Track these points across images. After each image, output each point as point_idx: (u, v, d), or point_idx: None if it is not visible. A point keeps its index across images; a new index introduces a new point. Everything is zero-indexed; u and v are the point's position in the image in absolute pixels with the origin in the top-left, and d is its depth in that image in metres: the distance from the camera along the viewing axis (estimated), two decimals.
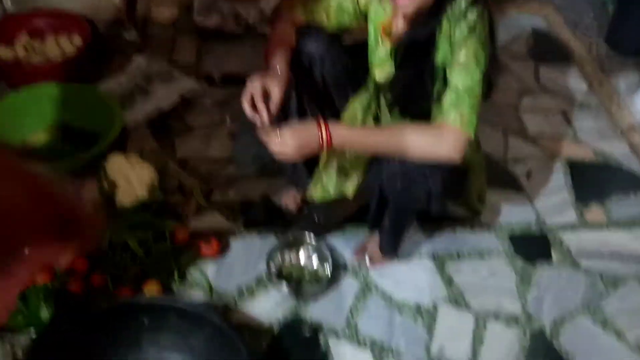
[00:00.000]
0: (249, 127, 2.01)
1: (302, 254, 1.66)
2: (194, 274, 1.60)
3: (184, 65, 2.31)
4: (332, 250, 1.67)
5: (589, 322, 1.58)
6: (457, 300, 1.60)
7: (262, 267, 1.63)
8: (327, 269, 1.60)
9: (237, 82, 2.20)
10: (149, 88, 2.19)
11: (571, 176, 2.00)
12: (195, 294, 1.55)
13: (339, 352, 1.47)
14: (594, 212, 1.88)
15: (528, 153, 2.08)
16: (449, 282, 1.65)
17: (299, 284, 1.60)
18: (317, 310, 1.55)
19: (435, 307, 1.58)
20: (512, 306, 1.60)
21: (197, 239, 1.65)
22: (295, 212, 1.77)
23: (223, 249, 1.66)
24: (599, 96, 2.34)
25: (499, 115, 2.22)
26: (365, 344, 1.49)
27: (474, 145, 1.50)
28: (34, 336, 1.39)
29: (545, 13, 2.79)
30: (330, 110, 1.55)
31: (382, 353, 1.47)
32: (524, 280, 1.67)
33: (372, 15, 1.44)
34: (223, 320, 1.33)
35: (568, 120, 2.23)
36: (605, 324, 1.58)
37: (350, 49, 1.52)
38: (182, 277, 1.58)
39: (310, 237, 1.65)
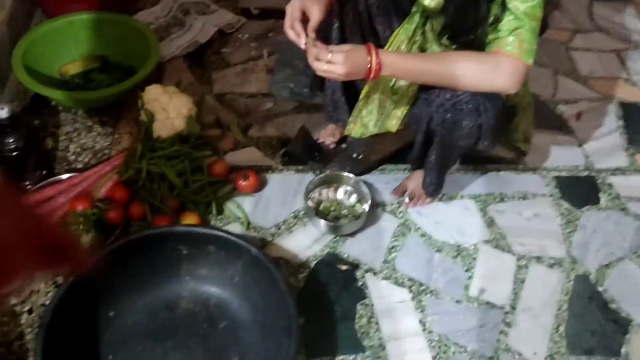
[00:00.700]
0: (287, 61, 1.97)
1: (340, 191, 1.63)
2: (231, 208, 1.59)
3: None
4: (371, 188, 1.63)
5: (635, 267, 1.53)
6: (499, 241, 1.56)
7: (300, 203, 1.61)
8: (365, 207, 1.57)
9: (275, 15, 2.16)
10: (186, 20, 2.14)
11: (623, 119, 1.91)
12: (232, 228, 1.54)
13: (376, 289, 1.45)
14: None
15: (578, 94, 1.99)
16: (490, 223, 1.60)
17: (337, 220, 1.57)
18: (355, 248, 1.53)
19: (475, 248, 1.54)
20: (556, 249, 1.55)
21: (234, 173, 1.64)
22: (333, 148, 1.73)
23: (260, 184, 1.64)
24: None
25: (549, 54, 2.11)
26: (402, 283, 1.46)
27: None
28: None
29: None
30: (374, 43, 1.48)
31: (420, 292, 1.45)
32: (570, 224, 1.61)
33: None
34: (261, 250, 1.32)
35: (622, 61, 2.12)
36: None
37: None
38: (220, 210, 1.57)
39: (348, 175, 1.62)
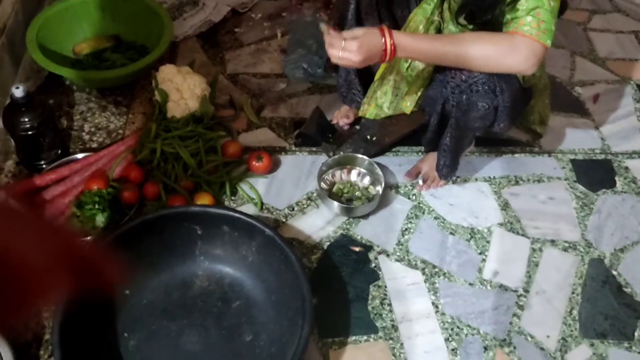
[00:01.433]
0: (301, 42, 1.95)
1: (353, 173, 1.63)
2: (244, 188, 1.59)
3: None
4: (384, 170, 1.63)
5: None
6: (513, 224, 1.55)
7: (313, 184, 1.61)
8: (379, 189, 1.57)
9: None
10: None
11: None
12: (246, 209, 1.54)
13: (389, 271, 1.45)
14: None
15: (596, 76, 1.96)
16: (505, 206, 1.59)
17: (350, 202, 1.57)
18: (368, 229, 1.53)
19: (489, 231, 1.54)
20: (571, 233, 1.54)
21: (247, 154, 1.63)
22: (347, 130, 1.73)
23: (274, 165, 1.64)
24: None
25: (567, 35, 2.08)
26: (415, 265, 1.46)
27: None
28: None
29: None
30: (390, 24, 1.47)
31: (433, 274, 1.45)
32: (585, 207, 1.60)
33: None
34: (275, 231, 1.32)
35: None
36: None
37: None
38: (233, 191, 1.57)
39: (362, 156, 1.61)
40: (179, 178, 1.53)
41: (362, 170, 1.63)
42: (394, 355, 1.30)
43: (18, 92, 1.43)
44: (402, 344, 1.32)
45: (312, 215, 1.56)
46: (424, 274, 1.45)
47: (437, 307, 1.39)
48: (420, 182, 1.62)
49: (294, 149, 1.71)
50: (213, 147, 1.62)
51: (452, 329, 1.35)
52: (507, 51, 1.18)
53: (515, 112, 1.36)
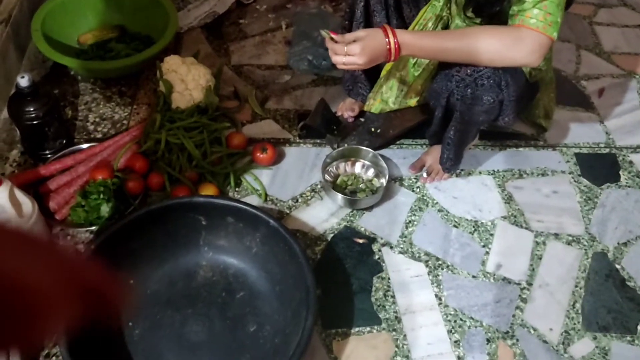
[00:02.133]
0: (306, 33, 1.95)
1: (357, 165, 1.63)
2: (249, 180, 1.59)
3: None
4: (389, 163, 1.63)
5: None
6: (517, 218, 1.55)
7: (317, 176, 1.61)
8: (383, 181, 1.57)
9: None
10: None
11: None
12: (250, 200, 1.54)
13: (392, 263, 1.45)
14: None
15: (601, 70, 1.96)
16: (508, 199, 1.59)
17: (354, 194, 1.57)
18: (371, 222, 1.53)
19: (493, 224, 1.54)
20: (575, 227, 1.54)
21: (252, 146, 1.64)
22: (351, 122, 1.73)
23: (278, 157, 1.64)
24: None
25: (572, 28, 2.08)
26: (419, 257, 1.47)
27: (546, 56, 1.40)
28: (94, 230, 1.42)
29: None
30: (398, 22, 1.47)
31: (436, 266, 1.45)
32: (589, 201, 1.60)
33: None
34: (279, 222, 1.32)
35: None
36: None
37: None
38: (237, 182, 1.58)
39: (366, 149, 1.61)
40: (184, 169, 1.53)
41: (367, 162, 1.63)
42: (397, 346, 1.31)
43: (23, 81, 1.43)
44: (405, 335, 1.33)
45: (316, 207, 1.56)
46: (427, 266, 1.45)
47: (440, 299, 1.39)
48: (424, 174, 1.62)
49: (298, 140, 1.71)
50: (217, 138, 1.63)
51: (455, 321, 1.36)
52: (513, 44, 1.18)
53: (520, 106, 1.36)
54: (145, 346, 1.26)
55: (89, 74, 1.81)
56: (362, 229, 1.52)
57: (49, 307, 0.43)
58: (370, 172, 1.62)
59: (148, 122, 1.62)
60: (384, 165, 1.58)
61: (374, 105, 1.57)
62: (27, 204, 1.33)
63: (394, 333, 1.33)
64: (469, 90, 1.29)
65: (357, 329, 1.33)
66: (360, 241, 1.49)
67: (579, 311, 1.38)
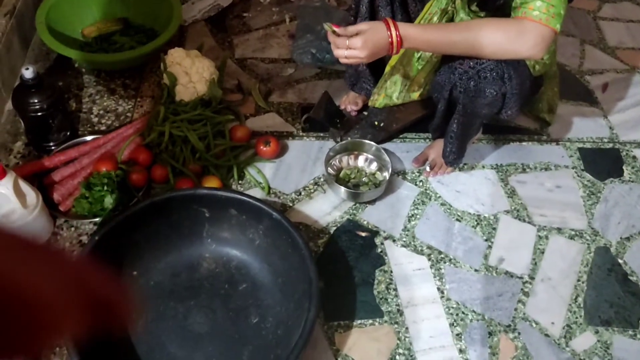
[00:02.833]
0: (309, 27, 1.95)
1: (360, 159, 1.63)
2: (252, 173, 1.59)
3: None
4: (392, 156, 1.63)
5: None
6: (519, 212, 1.56)
7: (320, 169, 1.61)
8: (386, 174, 1.57)
9: None
10: None
11: None
12: (253, 193, 1.55)
13: (395, 256, 1.46)
14: None
15: (605, 65, 1.95)
16: (511, 193, 1.60)
17: (357, 187, 1.57)
18: (374, 215, 1.54)
19: (496, 218, 1.54)
20: (577, 221, 1.54)
21: (255, 139, 1.64)
22: (355, 116, 1.73)
23: (281, 150, 1.65)
24: None
25: (577, 23, 2.07)
26: (421, 250, 1.47)
27: (550, 50, 1.40)
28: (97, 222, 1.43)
29: None
30: (403, 17, 1.47)
31: (439, 260, 1.45)
32: (592, 196, 1.60)
33: None
34: (282, 215, 1.33)
35: None
36: None
37: None
38: (241, 175, 1.58)
39: (369, 142, 1.61)
40: (187, 161, 1.53)
41: (370, 156, 1.63)
42: (398, 339, 1.31)
43: (28, 73, 1.44)
44: (407, 328, 1.33)
45: (319, 200, 1.56)
46: (429, 259, 1.45)
47: (442, 292, 1.40)
48: (427, 168, 1.62)
49: (301, 134, 1.71)
50: (221, 131, 1.63)
51: (457, 314, 1.36)
52: (516, 37, 1.17)
53: (523, 99, 1.36)
54: (148, 337, 1.26)
55: (93, 67, 1.81)
56: (365, 222, 1.52)
57: (52, 316, 0.43)
58: (374, 166, 1.62)
59: (152, 115, 1.62)
60: (387, 158, 1.58)
61: (378, 100, 1.57)
62: (31, 195, 1.34)
63: (396, 326, 1.33)
64: (471, 82, 1.29)
65: (359, 322, 1.34)
66: (363, 234, 1.50)
67: (581, 305, 1.39)
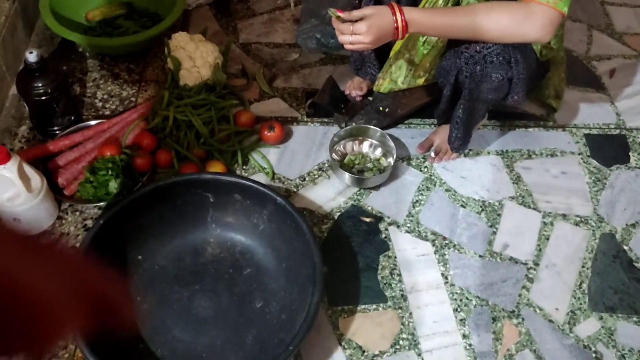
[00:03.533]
0: (314, 11, 1.93)
1: (365, 144, 1.63)
2: (256, 158, 1.59)
3: None
4: (396, 142, 1.62)
5: None
6: (524, 198, 1.55)
7: (324, 155, 1.61)
8: (390, 160, 1.56)
9: None
10: None
11: None
12: (257, 178, 1.54)
13: (399, 242, 1.45)
14: None
15: (613, 50, 1.93)
16: (517, 179, 1.59)
17: (361, 173, 1.57)
18: (379, 201, 1.53)
19: (500, 204, 1.54)
20: (583, 207, 1.54)
21: (259, 124, 1.63)
22: (359, 101, 1.72)
23: (285, 135, 1.64)
24: None
25: (584, 8, 2.05)
26: (426, 236, 1.47)
27: (557, 35, 1.39)
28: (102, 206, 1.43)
29: None
30: (408, 1, 1.45)
31: (443, 245, 1.45)
32: (598, 182, 1.59)
33: None
34: (286, 200, 1.33)
35: None
36: None
37: None
38: (245, 160, 1.58)
39: (374, 128, 1.61)
40: (191, 146, 1.53)
41: (374, 141, 1.62)
42: (402, 324, 1.31)
43: (32, 57, 1.43)
44: (410, 313, 1.33)
45: (323, 185, 1.56)
46: (434, 245, 1.45)
47: (446, 278, 1.39)
48: (432, 154, 1.62)
49: (305, 119, 1.70)
50: (225, 116, 1.62)
51: (461, 300, 1.36)
52: (523, 20, 1.16)
53: (530, 84, 1.34)
54: (153, 321, 1.27)
55: (97, 51, 1.80)
56: (369, 208, 1.52)
57: (52, 315, 0.43)
58: (378, 151, 1.61)
59: (156, 99, 1.61)
60: (392, 144, 1.57)
61: (383, 85, 1.56)
62: (36, 179, 1.34)
63: (399, 311, 1.33)
64: (477, 67, 1.27)
65: (363, 307, 1.34)
66: (367, 220, 1.50)
67: (586, 291, 1.38)
